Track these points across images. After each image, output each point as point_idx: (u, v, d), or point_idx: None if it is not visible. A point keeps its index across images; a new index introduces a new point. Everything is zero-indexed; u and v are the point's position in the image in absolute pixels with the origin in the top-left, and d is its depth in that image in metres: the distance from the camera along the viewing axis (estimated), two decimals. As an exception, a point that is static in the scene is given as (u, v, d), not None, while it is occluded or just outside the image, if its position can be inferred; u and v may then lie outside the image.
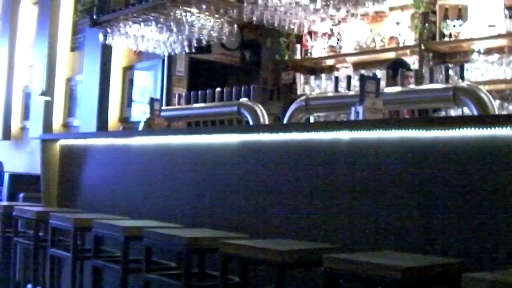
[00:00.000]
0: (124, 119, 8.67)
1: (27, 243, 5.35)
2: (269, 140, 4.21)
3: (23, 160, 10.25)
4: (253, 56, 9.13)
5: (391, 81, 4.81)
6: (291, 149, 4.05)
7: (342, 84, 5.93)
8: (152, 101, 5.85)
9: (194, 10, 6.15)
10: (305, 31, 6.27)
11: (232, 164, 4.45)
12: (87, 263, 4.81)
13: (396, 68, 5.41)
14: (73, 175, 5.94)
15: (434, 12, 7.19)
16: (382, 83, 4.48)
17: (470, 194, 3.17)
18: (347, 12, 5.56)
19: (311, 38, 8.44)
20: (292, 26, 5.83)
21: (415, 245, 3.33)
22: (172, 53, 7.03)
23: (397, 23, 7.58)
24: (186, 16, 6.17)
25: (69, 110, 9.63)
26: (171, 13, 6.20)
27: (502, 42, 6.78)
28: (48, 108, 9.43)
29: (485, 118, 3.53)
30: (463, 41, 6.96)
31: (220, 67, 9.02)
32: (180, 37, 6.53)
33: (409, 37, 7.38)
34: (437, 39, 7.11)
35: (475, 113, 4.16)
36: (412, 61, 7.23)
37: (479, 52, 6.89)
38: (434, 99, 4.51)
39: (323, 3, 5.37)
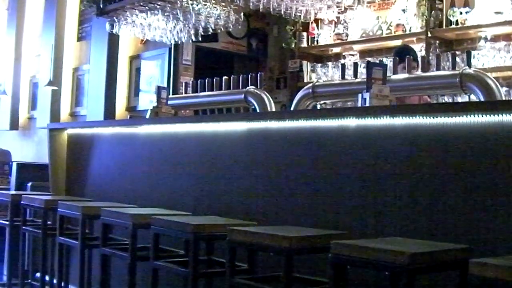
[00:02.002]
0: (131, 108, 8.69)
1: (36, 231, 5.36)
2: (276, 127, 4.22)
3: (31, 149, 10.29)
4: (259, 44, 9.14)
5: (397, 67, 4.80)
6: (298, 136, 4.06)
7: (349, 72, 5.93)
8: (159, 89, 5.85)
9: (200, -2, 6.16)
10: (312, 18, 6.28)
11: (239, 151, 4.46)
12: (96, 251, 4.82)
13: (403, 54, 5.40)
14: (81, 164, 5.95)
15: (440, -1, 7.18)
16: (389, 70, 4.48)
17: (477, 180, 3.17)
18: (353, -1, 5.56)
19: (317, 26, 8.44)
20: (298, 14, 5.84)
21: (422, 231, 3.33)
22: (179, 42, 7.04)
23: (404, 11, 7.57)
24: (192, 4, 6.18)
25: (76, 100, 9.66)
26: (178, 2, 6.20)
27: (509, 29, 6.75)
28: (56, 97, 9.45)
29: (492, 104, 3.52)
30: (470, 28, 6.94)
31: (226, 56, 9.04)
32: (186, 25, 6.54)
33: (415, 25, 7.37)
34: (444, 26, 7.10)
35: (482, 99, 4.16)
36: (419, 48, 7.22)
37: (486, 39, 6.87)
38: (441, 85, 4.51)
39: (330, -10, 5.38)
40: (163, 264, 3.97)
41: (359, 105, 3.89)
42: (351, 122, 3.75)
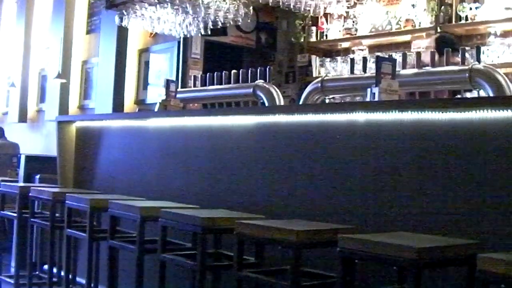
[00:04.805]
0: (140, 101, 8.69)
1: (44, 224, 5.37)
2: (285, 121, 4.22)
3: (39, 142, 10.32)
4: (268, 38, 9.13)
5: (435, 59, 4.77)
6: (306, 130, 4.05)
7: (358, 67, 5.92)
8: (168, 83, 5.86)
9: (210, -9, 6.15)
10: (321, 13, 6.26)
11: (248, 145, 4.46)
12: (103, 244, 4.82)
13: (442, 46, 5.40)
14: (89, 156, 5.96)
15: (450, -5, 7.16)
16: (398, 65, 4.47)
17: (486, 174, 3.16)
18: (363, -6, 5.55)
19: (326, 20, 8.43)
20: (307, 8, 5.83)
21: (431, 225, 3.33)
22: (188, 35, 7.04)
23: (413, 6, 7.55)
24: (201, -3, 6.18)
25: (85, 93, 9.68)
26: (187, -5, 6.21)
27: (519, 25, 6.74)
28: (64, 90, 9.47)
29: (501, 100, 3.52)
30: (479, 24, 6.93)
31: (235, 49, 9.03)
32: (196, 19, 6.53)
33: (425, 20, 7.35)
34: (453, 22, 7.08)
35: (491, 95, 4.15)
36: (428, 43, 7.21)
37: (495, 34, 6.85)
38: (450, 81, 4.50)
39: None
40: (171, 257, 3.97)
41: (368, 99, 3.88)
42: (360, 116, 3.75)
